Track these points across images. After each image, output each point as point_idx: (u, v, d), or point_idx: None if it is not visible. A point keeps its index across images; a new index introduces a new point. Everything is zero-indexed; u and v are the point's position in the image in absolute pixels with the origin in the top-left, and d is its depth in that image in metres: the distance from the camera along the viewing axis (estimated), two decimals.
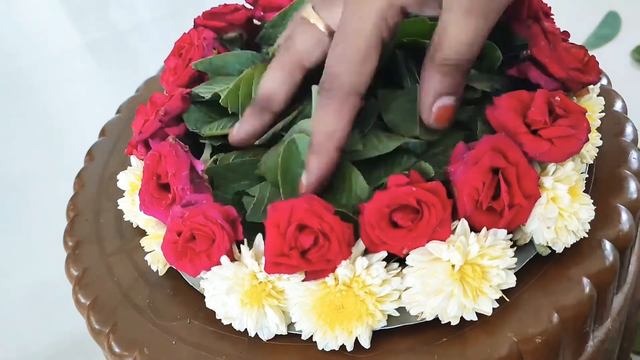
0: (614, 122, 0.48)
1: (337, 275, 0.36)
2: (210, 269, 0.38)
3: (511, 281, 0.37)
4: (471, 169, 0.36)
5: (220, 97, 0.45)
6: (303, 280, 0.36)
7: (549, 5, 0.46)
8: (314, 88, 0.40)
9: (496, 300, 0.36)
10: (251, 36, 0.54)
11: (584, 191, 0.39)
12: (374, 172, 0.39)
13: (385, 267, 0.36)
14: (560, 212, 0.37)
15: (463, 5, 0.36)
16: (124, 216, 0.48)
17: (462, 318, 0.36)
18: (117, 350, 0.41)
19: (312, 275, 0.36)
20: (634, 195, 0.43)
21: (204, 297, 0.40)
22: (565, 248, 0.39)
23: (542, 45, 0.42)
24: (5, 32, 1.38)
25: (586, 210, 0.38)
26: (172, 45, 0.53)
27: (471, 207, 0.36)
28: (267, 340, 0.39)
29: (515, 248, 0.37)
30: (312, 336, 0.38)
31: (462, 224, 0.36)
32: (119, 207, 0.49)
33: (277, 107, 0.42)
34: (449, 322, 0.37)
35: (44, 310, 0.82)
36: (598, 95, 0.45)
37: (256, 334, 0.39)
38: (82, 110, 1.12)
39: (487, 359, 0.36)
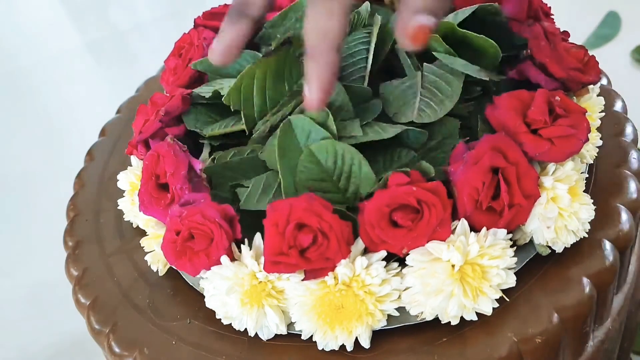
0: (614, 122, 0.48)
1: (337, 274, 0.36)
2: (209, 268, 0.38)
3: (511, 281, 0.37)
4: (471, 169, 0.36)
5: (220, 95, 0.45)
6: (303, 279, 0.36)
7: (549, 5, 0.46)
8: None
9: (496, 300, 0.36)
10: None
11: (584, 191, 0.39)
12: (373, 166, 0.39)
13: (385, 266, 0.36)
14: (560, 211, 0.37)
15: None
16: (124, 216, 0.48)
17: (462, 318, 0.36)
18: (117, 350, 0.41)
19: (311, 274, 0.36)
20: (634, 195, 0.43)
21: (203, 297, 0.40)
22: (565, 248, 0.39)
23: (542, 45, 0.42)
24: (5, 32, 1.38)
25: (586, 210, 0.38)
26: (172, 45, 0.53)
27: (471, 207, 0.36)
28: (267, 340, 0.39)
29: (515, 248, 0.37)
30: (312, 336, 0.38)
31: (462, 224, 0.36)
32: (119, 207, 0.49)
33: (255, 12, 0.39)
34: (449, 322, 0.37)
35: (44, 310, 0.82)
36: (598, 95, 0.45)
37: (256, 334, 0.39)
38: (82, 110, 1.12)
39: (487, 359, 0.36)
